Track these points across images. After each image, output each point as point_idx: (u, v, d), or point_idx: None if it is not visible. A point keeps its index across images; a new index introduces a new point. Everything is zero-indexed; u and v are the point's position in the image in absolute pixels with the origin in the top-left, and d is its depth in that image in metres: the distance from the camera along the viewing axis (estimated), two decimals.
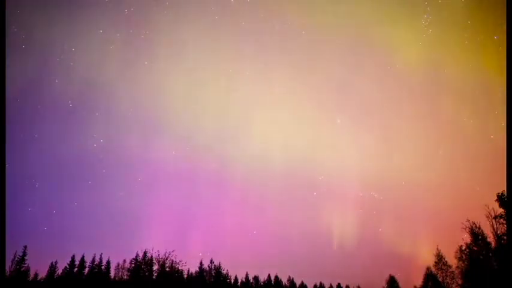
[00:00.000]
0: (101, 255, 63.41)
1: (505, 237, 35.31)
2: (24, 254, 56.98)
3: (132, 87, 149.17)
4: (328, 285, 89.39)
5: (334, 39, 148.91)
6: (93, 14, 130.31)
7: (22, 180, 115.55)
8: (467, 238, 40.57)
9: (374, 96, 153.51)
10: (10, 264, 55.08)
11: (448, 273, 48.02)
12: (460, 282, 44.61)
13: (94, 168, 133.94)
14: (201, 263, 68.79)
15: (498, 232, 36.35)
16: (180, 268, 58.17)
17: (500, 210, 35.74)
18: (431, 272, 52.52)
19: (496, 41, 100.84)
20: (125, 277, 62.40)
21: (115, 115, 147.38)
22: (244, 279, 78.80)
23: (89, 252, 64.66)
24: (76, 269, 60.52)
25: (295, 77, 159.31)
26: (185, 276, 66.51)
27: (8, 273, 53.51)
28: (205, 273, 69.10)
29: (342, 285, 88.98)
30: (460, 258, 42.05)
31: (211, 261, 70.36)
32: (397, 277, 70.21)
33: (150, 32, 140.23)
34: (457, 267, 43.74)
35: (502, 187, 35.91)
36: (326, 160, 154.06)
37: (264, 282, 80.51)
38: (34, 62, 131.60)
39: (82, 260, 61.34)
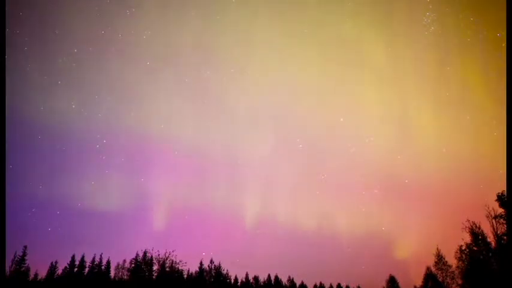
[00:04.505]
0: (101, 255, 63.60)
1: (505, 237, 35.02)
2: (24, 254, 57.12)
3: (134, 87, 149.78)
4: (328, 285, 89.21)
5: (334, 37, 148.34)
6: (94, 15, 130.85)
7: (26, 181, 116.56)
8: (467, 238, 40.25)
9: (376, 95, 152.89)
10: (10, 264, 55.40)
11: (448, 273, 47.73)
12: (460, 282, 44.30)
13: (97, 169, 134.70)
14: (201, 263, 68.73)
15: (498, 232, 36.04)
16: (180, 268, 58.36)
17: (500, 210, 35.48)
18: (431, 272, 52.22)
19: (498, 38, 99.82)
20: (125, 277, 62.48)
21: (117, 116, 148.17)
22: (244, 279, 78.73)
23: (89, 252, 65.08)
24: (76, 269, 60.62)
25: (296, 77, 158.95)
26: (185, 276, 66.49)
27: (8, 273, 53.74)
28: (205, 273, 68.99)
29: (342, 285, 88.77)
30: (460, 258, 41.71)
31: (211, 261, 70.29)
32: (397, 277, 69.92)
33: (152, 32, 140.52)
34: (457, 267, 43.46)
35: (503, 186, 35.61)
36: (328, 159, 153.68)
37: (264, 282, 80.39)
38: (36, 64, 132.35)
39: (82, 260, 61.43)
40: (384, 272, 76.73)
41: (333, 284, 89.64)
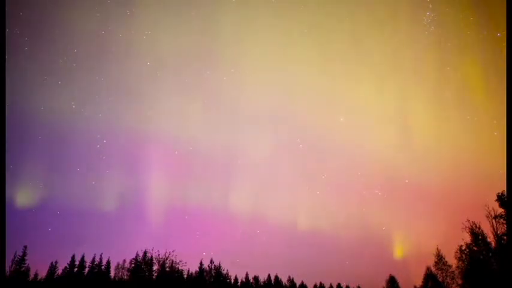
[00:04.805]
0: (101, 255, 63.63)
1: (505, 237, 34.99)
2: (24, 254, 57.14)
3: (134, 87, 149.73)
4: (328, 285, 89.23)
5: (334, 37, 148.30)
6: (95, 15, 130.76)
7: (26, 181, 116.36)
8: (467, 238, 40.24)
9: (376, 95, 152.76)
10: (10, 264, 55.41)
11: (448, 273, 47.73)
12: (460, 282, 44.29)
13: (98, 169, 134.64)
14: (201, 263, 68.71)
15: (498, 232, 36.02)
16: (180, 268, 58.39)
17: (500, 210, 35.45)
18: (431, 272, 52.22)
19: (498, 38, 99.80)
20: (125, 277, 62.50)
21: (117, 116, 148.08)
22: (244, 279, 78.74)
23: (89, 252, 65.08)
24: (76, 269, 60.64)
25: (297, 77, 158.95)
26: (185, 276, 66.51)
27: (8, 273, 53.75)
28: (205, 273, 69.00)
29: (342, 285, 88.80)
30: (460, 258, 41.71)
31: (211, 261, 70.29)
32: (397, 277, 69.94)
33: (152, 32, 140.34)
34: (457, 267, 43.45)
35: (503, 186, 35.58)
36: (328, 159, 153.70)
37: (264, 282, 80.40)
38: (37, 64, 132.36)
39: (82, 260, 61.46)
40: (384, 272, 76.83)
41: (333, 284, 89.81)
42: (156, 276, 56.32)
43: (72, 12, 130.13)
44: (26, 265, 57.89)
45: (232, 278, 74.61)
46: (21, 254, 57.04)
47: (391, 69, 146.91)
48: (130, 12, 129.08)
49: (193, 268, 69.70)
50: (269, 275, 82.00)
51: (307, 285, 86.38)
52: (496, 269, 35.87)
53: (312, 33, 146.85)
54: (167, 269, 56.03)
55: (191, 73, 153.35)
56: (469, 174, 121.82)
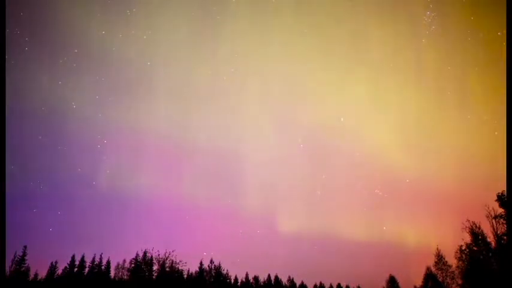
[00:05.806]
0: (101, 255, 63.65)
1: (505, 237, 34.98)
2: (24, 254, 57.16)
3: (134, 87, 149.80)
4: (328, 285, 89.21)
5: (334, 37, 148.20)
6: (95, 15, 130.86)
7: (27, 182, 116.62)
8: (467, 238, 40.21)
9: (376, 95, 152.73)
10: (10, 264, 55.43)
11: (448, 273, 47.71)
12: (460, 282, 44.28)
13: (98, 169, 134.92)
14: (201, 263, 68.71)
15: (498, 232, 36.01)
16: (180, 268, 58.35)
17: (500, 210, 35.43)
18: (431, 272, 52.20)
19: (499, 37, 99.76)
20: (125, 277, 62.50)
21: (117, 116, 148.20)
22: (244, 279, 78.71)
23: (89, 252, 65.07)
24: (76, 269, 60.66)
25: (297, 77, 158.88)
26: (185, 276, 66.49)
27: (8, 273, 53.76)
28: (205, 273, 68.98)
29: (342, 285, 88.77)
30: (460, 258, 41.70)
31: (211, 261, 70.27)
32: (397, 277, 69.90)
33: (152, 32, 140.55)
34: (457, 267, 43.44)
35: (503, 186, 35.54)
36: (328, 159, 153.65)
37: (264, 282, 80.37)
38: (37, 64, 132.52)
39: (82, 260, 61.48)
40: (384, 272, 76.83)
41: (333, 284, 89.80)
42: (156, 276, 56.28)
43: (72, 13, 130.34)
44: (26, 265, 57.98)
45: (232, 278, 74.67)
46: (21, 254, 57.14)
47: (391, 69, 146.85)
48: (131, 12, 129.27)
49: (193, 268, 69.84)
50: (269, 275, 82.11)
51: (307, 285, 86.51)
52: (496, 269, 35.85)
53: (312, 33, 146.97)
54: (167, 269, 55.98)
55: (191, 73, 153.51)
56: (469, 174, 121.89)
